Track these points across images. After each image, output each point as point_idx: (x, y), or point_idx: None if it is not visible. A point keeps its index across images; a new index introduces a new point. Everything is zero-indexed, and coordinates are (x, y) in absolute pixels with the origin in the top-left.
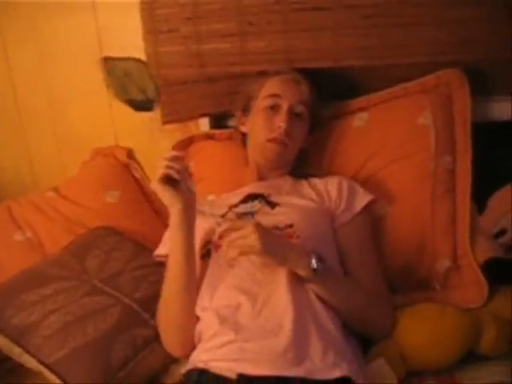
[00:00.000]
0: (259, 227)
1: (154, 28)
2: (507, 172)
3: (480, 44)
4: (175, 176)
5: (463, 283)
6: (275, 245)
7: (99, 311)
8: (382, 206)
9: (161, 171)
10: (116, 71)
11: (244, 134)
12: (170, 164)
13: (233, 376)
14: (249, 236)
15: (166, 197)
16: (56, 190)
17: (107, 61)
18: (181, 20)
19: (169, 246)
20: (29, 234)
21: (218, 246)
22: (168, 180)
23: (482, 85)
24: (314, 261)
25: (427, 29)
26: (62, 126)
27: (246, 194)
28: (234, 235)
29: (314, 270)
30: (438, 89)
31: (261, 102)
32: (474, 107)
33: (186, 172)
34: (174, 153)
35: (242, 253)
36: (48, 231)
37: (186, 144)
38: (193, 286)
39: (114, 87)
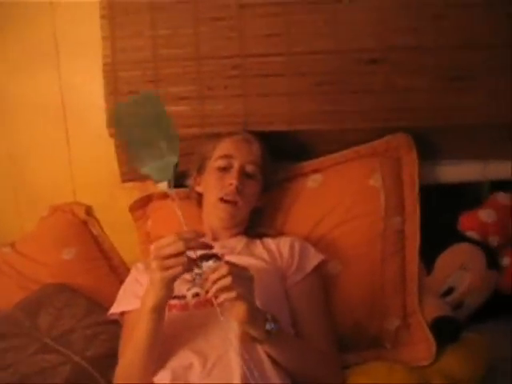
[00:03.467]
0: (233, 267)
1: (115, 89)
2: (453, 232)
3: (425, 111)
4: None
5: (412, 341)
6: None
7: (48, 369)
8: (334, 265)
9: (175, 269)
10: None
11: (200, 195)
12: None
13: None
14: (225, 277)
15: (160, 286)
16: (12, 245)
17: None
18: (142, 82)
19: (137, 321)
20: None
21: (171, 306)
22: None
23: (428, 149)
24: (268, 323)
25: (376, 96)
26: (22, 182)
27: (198, 254)
28: (210, 279)
29: (268, 332)
30: (388, 152)
31: (214, 163)
32: (422, 170)
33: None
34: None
35: (218, 292)
36: (1, 287)
37: (144, 202)
38: (156, 354)
39: (128, 152)
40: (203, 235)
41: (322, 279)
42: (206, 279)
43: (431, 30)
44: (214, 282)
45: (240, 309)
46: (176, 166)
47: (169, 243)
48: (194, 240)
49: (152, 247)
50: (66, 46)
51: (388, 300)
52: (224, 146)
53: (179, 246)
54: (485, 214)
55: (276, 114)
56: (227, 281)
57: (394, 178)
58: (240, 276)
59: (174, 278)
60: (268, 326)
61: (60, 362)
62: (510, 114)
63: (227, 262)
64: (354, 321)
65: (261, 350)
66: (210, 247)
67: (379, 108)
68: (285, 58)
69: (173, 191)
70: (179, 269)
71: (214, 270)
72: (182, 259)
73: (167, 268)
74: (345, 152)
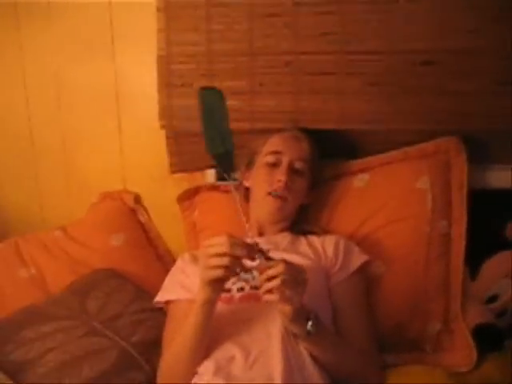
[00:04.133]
0: (289, 266)
1: (168, 81)
2: (500, 239)
3: (477, 115)
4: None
5: (453, 347)
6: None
7: (96, 352)
8: (377, 265)
9: (217, 270)
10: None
11: (247, 189)
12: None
13: None
14: (279, 276)
15: (202, 284)
16: (63, 229)
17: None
18: (195, 76)
19: (183, 311)
20: (33, 271)
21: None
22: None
23: (479, 153)
24: (310, 322)
25: (428, 98)
26: (74, 168)
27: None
28: (264, 275)
29: (310, 331)
30: (437, 155)
31: (263, 158)
32: (471, 175)
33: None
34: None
35: (267, 291)
36: (52, 270)
37: (191, 193)
38: (203, 348)
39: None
40: (256, 244)
41: (366, 279)
42: (260, 274)
43: (486, 32)
44: (268, 280)
45: (286, 307)
46: (232, 157)
47: (216, 243)
48: (241, 246)
49: (202, 244)
50: (121, 37)
51: (431, 303)
52: (274, 142)
53: (223, 248)
54: None
55: (326, 112)
56: (278, 281)
57: (442, 181)
58: (294, 276)
59: (216, 279)
60: (310, 325)
61: (107, 346)
62: None
63: (284, 261)
64: (396, 322)
65: (302, 347)
66: (253, 258)
67: (430, 110)
68: (337, 56)
69: (231, 183)
70: (220, 271)
71: (270, 267)
72: (225, 260)
73: (210, 267)
74: (393, 153)
